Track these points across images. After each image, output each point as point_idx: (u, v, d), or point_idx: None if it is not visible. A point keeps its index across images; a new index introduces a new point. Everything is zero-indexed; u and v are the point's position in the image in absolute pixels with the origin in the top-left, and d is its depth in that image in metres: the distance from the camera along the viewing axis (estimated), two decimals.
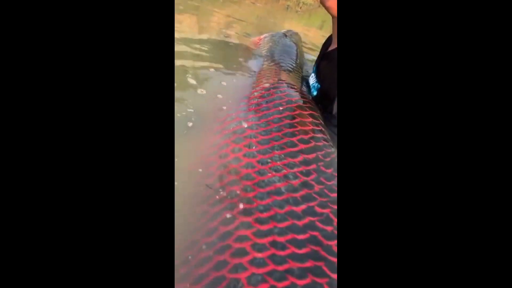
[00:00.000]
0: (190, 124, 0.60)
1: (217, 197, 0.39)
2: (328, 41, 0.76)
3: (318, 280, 0.29)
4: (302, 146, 0.48)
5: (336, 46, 0.68)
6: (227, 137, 0.52)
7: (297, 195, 0.39)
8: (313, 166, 0.45)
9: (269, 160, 0.44)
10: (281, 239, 0.33)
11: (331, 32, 0.75)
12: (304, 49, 1.10)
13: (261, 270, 0.29)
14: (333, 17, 0.66)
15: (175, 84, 0.66)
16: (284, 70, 0.76)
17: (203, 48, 0.95)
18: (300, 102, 0.59)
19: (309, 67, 0.93)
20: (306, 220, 0.36)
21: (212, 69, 0.87)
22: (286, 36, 1.07)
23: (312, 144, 0.49)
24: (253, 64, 0.90)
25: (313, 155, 0.47)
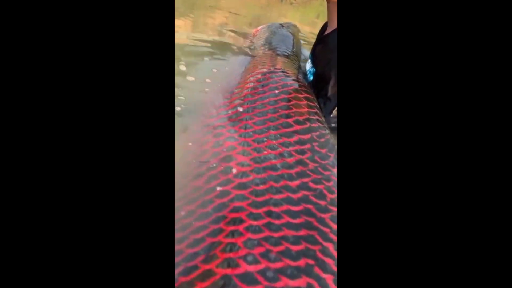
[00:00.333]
0: (178, 108, 0.61)
1: (212, 172, 0.40)
2: (324, 27, 0.78)
3: (311, 247, 0.31)
4: (297, 127, 0.49)
5: (331, 30, 0.69)
6: (222, 120, 0.53)
7: (292, 171, 0.41)
8: (307, 146, 0.46)
9: (264, 139, 0.46)
10: (276, 209, 0.34)
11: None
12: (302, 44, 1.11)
13: (257, 236, 0.30)
14: (328, 1, 0.67)
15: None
16: (280, 56, 0.78)
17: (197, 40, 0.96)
18: (296, 86, 0.61)
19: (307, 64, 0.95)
20: (300, 194, 0.37)
21: (206, 58, 0.88)
22: (283, 26, 1.08)
23: (307, 125, 0.50)
24: (247, 53, 0.91)
25: (308, 135, 0.48)
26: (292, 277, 0.27)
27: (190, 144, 0.49)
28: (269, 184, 0.38)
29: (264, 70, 0.66)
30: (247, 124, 0.49)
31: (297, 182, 0.39)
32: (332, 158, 0.46)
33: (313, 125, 0.51)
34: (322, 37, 0.73)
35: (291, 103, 0.55)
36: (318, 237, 0.32)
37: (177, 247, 0.31)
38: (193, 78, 0.75)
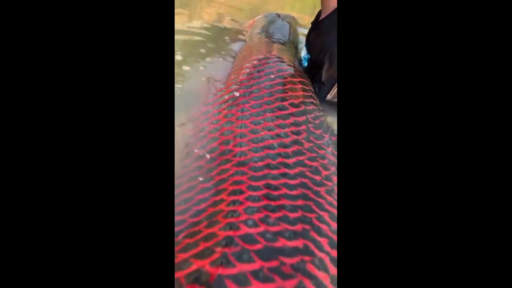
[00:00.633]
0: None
1: (212, 155, 0.43)
2: (318, 14, 0.80)
3: (308, 214, 0.33)
4: (292, 110, 0.52)
5: (324, 16, 0.71)
6: (220, 106, 0.56)
7: (289, 150, 0.43)
8: (303, 127, 0.49)
9: (261, 121, 0.48)
10: (274, 182, 0.37)
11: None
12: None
13: (256, 204, 0.33)
14: None
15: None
16: (276, 44, 0.80)
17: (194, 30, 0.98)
18: (291, 71, 0.63)
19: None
20: (297, 170, 0.40)
21: (202, 50, 0.90)
22: (279, 16, 1.10)
23: (302, 108, 0.53)
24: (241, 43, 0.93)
25: (303, 117, 0.51)
26: (289, 238, 0.30)
27: (189, 128, 0.51)
28: (266, 161, 0.40)
29: (260, 56, 0.68)
30: (244, 108, 0.52)
31: (293, 160, 0.42)
32: (327, 138, 0.49)
33: (308, 107, 0.54)
34: (315, 24, 0.76)
35: (287, 87, 0.57)
36: (314, 207, 0.35)
37: (180, 217, 0.33)
38: (188, 68, 0.77)
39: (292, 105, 0.53)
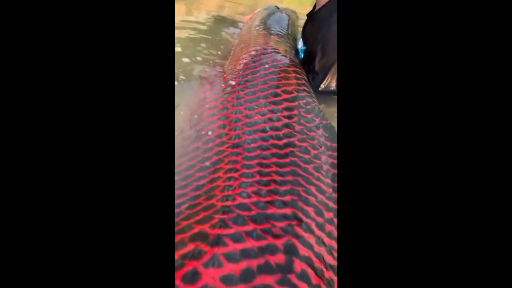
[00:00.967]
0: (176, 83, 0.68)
1: (209, 137, 0.47)
2: (314, 8, 0.83)
3: (296, 187, 0.38)
4: (285, 96, 0.56)
5: (318, 8, 0.75)
6: (216, 93, 0.60)
7: (280, 132, 0.48)
8: (295, 112, 0.53)
9: (255, 107, 0.52)
10: (266, 161, 0.41)
11: None
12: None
13: (249, 180, 0.37)
14: None
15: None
16: (274, 36, 0.84)
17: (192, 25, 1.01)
18: (285, 61, 0.67)
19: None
20: (287, 150, 0.44)
21: (203, 44, 0.94)
22: (279, 9, 1.13)
23: (295, 94, 0.57)
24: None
25: (295, 103, 0.55)
26: (279, 207, 0.34)
27: (187, 114, 0.56)
28: (259, 143, 0.45)
29: (258, 47, 0.72)
30: (239, 95, 0.56)
31: (284, 141, 0.46)
32: (318, 121, 0.53)
33: (300, 94, 0.58)
34: (310, 16, 0.79)
35: (280, 75, 0.62)
36: (302, 181, 0.39)
37: (181, 191, 0.38)
38: (188, 60, 0.81)
39: (285, 92, 0.57)
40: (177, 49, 0.84)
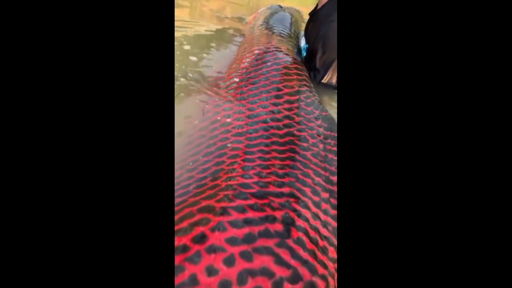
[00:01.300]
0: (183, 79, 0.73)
1: (214, 125, 0.51)
2: (316, 7, 0.88)
3: (294, 171, 0.42)
4: (286, 90, 0.60)
5: (320, 7, 0.79)
6: (221, 90, 0.64)
7: (280, 123, 0.52)
8: (295, 105, 0.57)
9: (257, 100, 0.57)
10: (266, 148, 0.45)
11: None
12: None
13: (251, 164, 0.41)
14: None
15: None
16: (276, 35, 0.88)
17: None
18: (287, 59, 0.71)
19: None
20: (287, 139, 0.48)
21: (213, 44, 0.99)
22: (281, 7, 1.18)
23: (296, 89, 0.61)
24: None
25: (296, 97, 0.59)
26: (278, 186, 0.38)
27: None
28: (260, 132, 0.49)
29: (261, 47, 0.77)
30: (242, 90, 0.60)
31: (284, 131, 0.50)
32: (317, 113, 0.57)
33: (301, 89, 0.62)
34: (312, 14, 0.84)
35: (282, 72, 0.66)
36: (300, 166, 0.43)
37: (189, 174, 0.42)
38: (195, 58, 0.86)
39: (286, 87, 0.61)
40: (186, 47, 0.89)
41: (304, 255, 0.30)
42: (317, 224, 0.35)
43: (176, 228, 0.30)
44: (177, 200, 0.36)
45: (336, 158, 0.48)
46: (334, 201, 0.40)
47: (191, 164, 0.44)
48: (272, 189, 0.37)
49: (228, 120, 0.52)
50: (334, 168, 0.46)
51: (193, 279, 0.25)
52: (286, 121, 0.52)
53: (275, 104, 0.56)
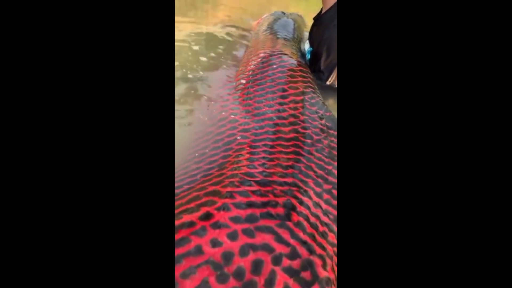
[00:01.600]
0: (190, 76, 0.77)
1: (222, 122, 0.54)
2: (320, 11, 0.91)
3: (297, 164, 0.44)
4: (291, 91, 0.63)
5: (324, 11, 0.83)
6: (229, 90, 0.68)
7: (285, 121, 0.54)
8: (300, 104, 0.60)
9: (263, 100, 0.59)
10: (271, 143, 0.48)
11: None
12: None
13: (256, 156, 0.44)
14: None
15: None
16: (280, 39, 0.92)
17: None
18: (292, 62, 0.74)
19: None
20: (291, 135, 0.51)
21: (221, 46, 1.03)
22: (285, 14, 1.22)
23: (301, 90, 0.64)
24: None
25: (301, 97, 0.62)
26: (281, 176, 0.40)
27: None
28: (266, 129, 0.51)
29: (266, 50, 0.80)
30: (249, 91, 0.63)
31: (289, 128, 0.53)
32: (321, 113, 0.60)
33: (306, 90, 0.65)
34: (317, 19, 0.87)
35: (287, 74, 0.69)
36: (303, 159, 0.46)
37: (196, 165, 0.44)
38: (205, 59, 0.90)
39: (291, 88, 0.64)
40: (195, 47, 0.93)
41: (304, 237, 0.32)
42: (318, 212, 0.37)
43: (183, 208, 0.33)
44: (184, 187, 0.39)
45: None
46: (336, 193, 0.42)
47: (198, 155, 0.47)
48: (275, 178, 0.40)
49: (235, 117, 0.55)
50: (336, 163, 0.48)
51: (198, 249, 0.27)
52: (292, 119, 0.55)
53: (280, 104, 0.59)
